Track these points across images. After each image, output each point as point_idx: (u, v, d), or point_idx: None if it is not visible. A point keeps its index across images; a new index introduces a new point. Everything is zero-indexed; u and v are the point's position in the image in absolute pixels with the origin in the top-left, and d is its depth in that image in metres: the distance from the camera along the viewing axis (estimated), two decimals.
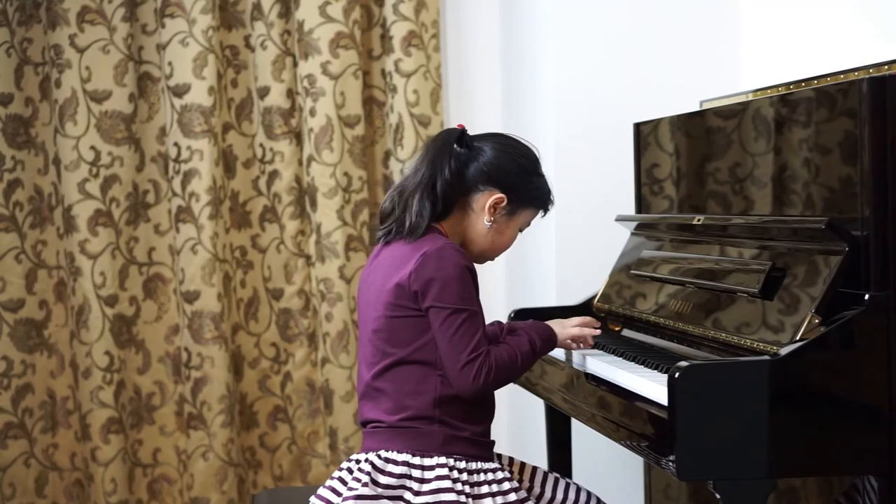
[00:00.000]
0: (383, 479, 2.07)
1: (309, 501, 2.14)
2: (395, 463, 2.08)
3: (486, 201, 2.18)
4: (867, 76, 2.06)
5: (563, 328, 2.30)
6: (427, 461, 2.08)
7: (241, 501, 3.65)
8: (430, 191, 2.14)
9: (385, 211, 2.20)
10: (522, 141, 2.26)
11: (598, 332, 2.37)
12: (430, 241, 2.12)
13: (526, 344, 2.16)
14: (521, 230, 2.26)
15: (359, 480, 2.07)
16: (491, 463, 2.13)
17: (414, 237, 2.13)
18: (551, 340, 2.24)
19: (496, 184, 2.18)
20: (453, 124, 2.75)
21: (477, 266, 2.18)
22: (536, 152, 2.26)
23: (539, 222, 2.31)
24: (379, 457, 2.09)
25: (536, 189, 2.23)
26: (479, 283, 2.14)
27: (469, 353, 2.06)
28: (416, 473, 2.07)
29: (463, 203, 2.19)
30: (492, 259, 2.27)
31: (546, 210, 2.27)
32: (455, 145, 2.18)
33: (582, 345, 2.35)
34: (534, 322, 2.28)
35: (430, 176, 2.15)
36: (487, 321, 2.47)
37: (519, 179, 2.20)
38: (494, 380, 2.09)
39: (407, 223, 2.14)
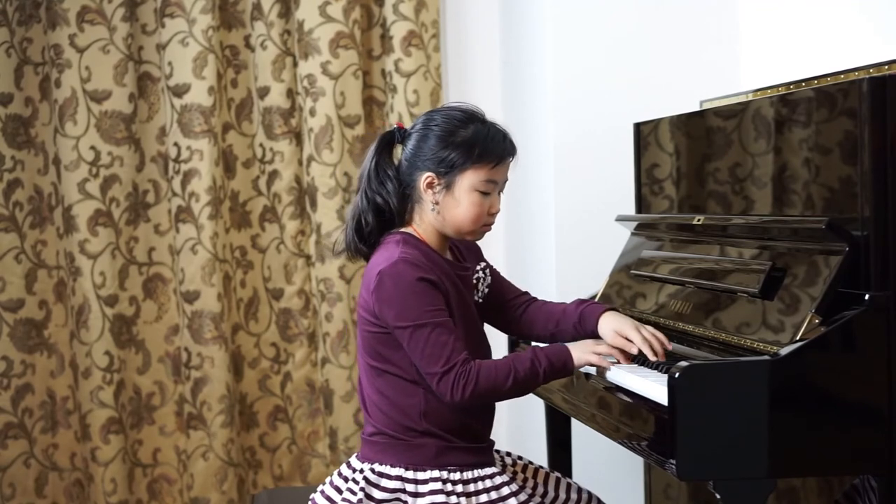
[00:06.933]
0: (377, 494, 2.07)
1: (308, 502, 2.14)
2: (389, 477, 2.07)
3: (421, 186, 2.11)
4: (867, 76, 2.06)
5: (583, 352, 2.11)
6: (420, 475, 2.07)
7: (241, 501, 3.65)
8: (370, 208, 2.12)
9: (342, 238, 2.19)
10: (445, 106, 2.18)
11: (618, 362, 2.18)
12: (385, 255, 2.07)
13: (527, 361, 2.05)
14: (482, 192, 2.09)
15: (353, 493, 2.07)
16: (488, 468, 2.12)
17: (366, 255, 2.14)
18: (566, 365, 2.07)
19: (421, 167, 2.10)
20: None
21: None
22: (471, 108, 2.13)
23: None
24: (373, 471, 2.09)
25: (461, 149, 2.08)
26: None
27: (442, 365, 1.99)
28: (410, 487, 2.06)
29: (413, 197, 2.13)
30: (474, 231, 2.12)
31: (493, 157, 2.09)
32: (395, 145, 2.15)
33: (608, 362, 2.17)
34: (557, 344, 2.13)
35: (365, 195, 2.13)
36: None
37: (438, 149, 2.08)
38: (478, 392, 2.00)
39: (352, 248, 2.15)
